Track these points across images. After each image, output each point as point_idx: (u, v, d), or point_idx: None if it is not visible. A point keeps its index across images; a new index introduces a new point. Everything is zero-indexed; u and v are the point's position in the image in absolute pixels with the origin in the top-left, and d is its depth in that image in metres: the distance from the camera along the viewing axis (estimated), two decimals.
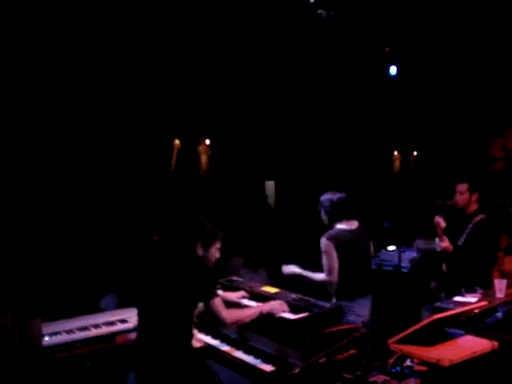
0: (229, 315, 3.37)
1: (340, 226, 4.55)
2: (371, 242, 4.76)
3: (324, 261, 4.46)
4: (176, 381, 3.24)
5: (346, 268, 4.40)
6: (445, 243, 4.88)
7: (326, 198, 4.61)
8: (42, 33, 6.40)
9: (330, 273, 4.42)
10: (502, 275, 4.98)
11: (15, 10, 5.97)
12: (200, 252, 3.49)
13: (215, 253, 3.58)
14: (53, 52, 6.73)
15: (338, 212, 4.54)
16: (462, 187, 4.98)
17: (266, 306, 3.59)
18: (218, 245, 3.58)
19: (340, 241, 4.43)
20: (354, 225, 4.60)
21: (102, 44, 7.24)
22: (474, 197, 4.99)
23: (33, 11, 6.16)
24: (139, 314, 3.43)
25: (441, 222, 4.89)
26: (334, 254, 4.38)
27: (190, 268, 3.34)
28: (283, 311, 3.57)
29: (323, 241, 4.45)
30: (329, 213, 4.57)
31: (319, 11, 7.32)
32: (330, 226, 4.60)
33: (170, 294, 3.30)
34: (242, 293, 4.08)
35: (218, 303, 3.33)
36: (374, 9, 7.68)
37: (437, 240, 4.98)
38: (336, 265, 4.40)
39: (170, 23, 7.46)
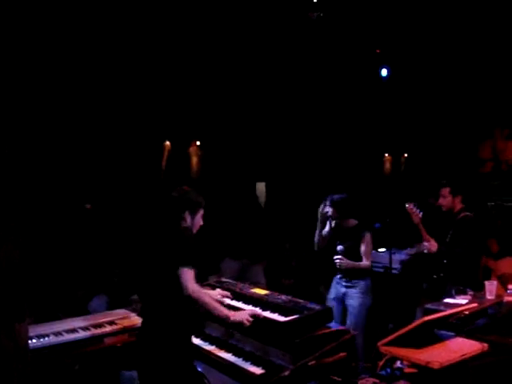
0: (195, 289, 3.29)
1: None
2: None
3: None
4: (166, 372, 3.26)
5: None
6: (428, 242, 5.00)
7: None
8: (27, 39, 6.34)
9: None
10: (503, 281, 5.01)
11: (14, 9, 5.92)
12: (188, 220, 3.57)
13: (200, 220, 3.66)
14: (39, 57, 6.66)
15: None
16: (445, 191, 5.17)
17: (234, 316, 3.43)
18: (202, 212, 3.68)
19: None
20: None
21: (92, 47, 7.20)
22: (457, 199, 5.18)
23: (26, 11, 6.12)
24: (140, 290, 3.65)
25: (414, 209, 4.95)
26: None
27: (174, 237, 3.44)
28: (248, 320, 3.41)
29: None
30: None
31: (310, 13, 7.35)
32: None
33: (156, 263, 3.46)
34: (219, 291, 4.00)
35: (189, 273, 3.29)
36: (365, 11, 7.69)
37: (424, 243, 5.05)
38: None
39: (159, 26, 7.44)
